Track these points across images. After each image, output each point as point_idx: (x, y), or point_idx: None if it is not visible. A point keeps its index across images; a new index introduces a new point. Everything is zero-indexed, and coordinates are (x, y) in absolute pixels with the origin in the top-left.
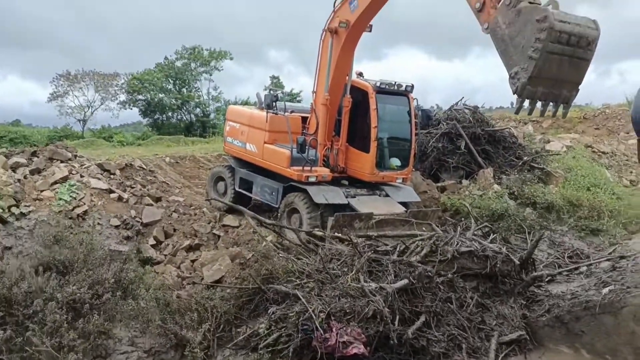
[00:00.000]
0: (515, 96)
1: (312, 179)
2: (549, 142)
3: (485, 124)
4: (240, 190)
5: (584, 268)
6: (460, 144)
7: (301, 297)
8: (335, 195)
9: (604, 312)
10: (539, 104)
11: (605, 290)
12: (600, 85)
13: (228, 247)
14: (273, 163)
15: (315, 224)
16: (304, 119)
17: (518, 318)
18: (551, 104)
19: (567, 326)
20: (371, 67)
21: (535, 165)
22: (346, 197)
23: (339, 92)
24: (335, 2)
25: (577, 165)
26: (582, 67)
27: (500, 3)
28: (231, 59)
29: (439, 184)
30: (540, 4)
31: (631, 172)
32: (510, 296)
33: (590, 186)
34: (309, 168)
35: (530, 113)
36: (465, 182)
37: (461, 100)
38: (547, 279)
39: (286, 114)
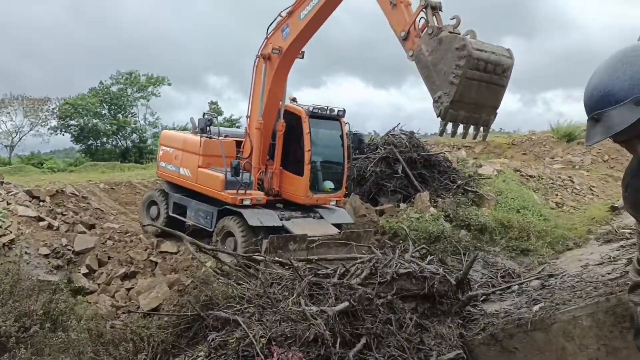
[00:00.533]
0: (439, 119)
1: (247, 202)
2: (480, 166)
3: (421, 148)
4: (174, 215)
5: (516, 287)
6: (397, 168)
7: (241, 323)
8: (269, 218)
9: (536, 329)
10: (461, 127)
11: (536, 308)
12: (527, 113)
13: (166, 274)
14: (207, 187)
15: (251, 247)
16: (239, 143)
17: (455, 337)
18: (472, 127)
19: (502, 343)
20: (310, 94)
21: (469, 189)
22: (280, 220)
23: (273, 116)
24: (268, 29)
25: (507, 188)
26: (499, 93)
27: (424, 32)
28: (169, 84)
29: (378, 208)
30: (459, 34)
31: (557, 195)
32: (447, 316)
33: (520, 208)
34: (243, 191)
35: (453, 135)
36: (402, 205)
37: (398, 125)
38: (482, 298)
39: (220, 138)
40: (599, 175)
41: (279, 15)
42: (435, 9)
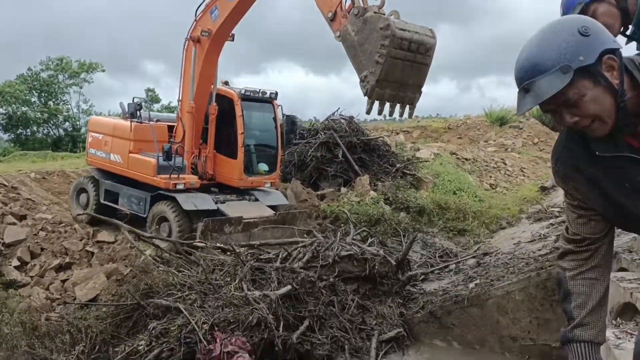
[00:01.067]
0: (366, 98)
1: (180, 187)
2: (418, 150)
3: (361, 133)
4: (105, 202)
5: (453, 266)
6: (337, 153)
7: (183, 310)
8: (204, 202)
9: (472, 305)
10: (387, 105)
11: (471, 285)
12: (463, 99)
13: (103, 264)
14: (139, 172)
15: (187, 232)
16: (171, 128)
17: (396, 316)
18: (398, 105)
19: (440, 321)
20: (250, 81)
21: (407, 172)
22: (215, 203)
23: (205, 100)
24: (197, 11)
25: (444, 171)
26: (423, 71)
27: (350, 13)
28: (103, 71)
29: (319, 192)
30: (384, 14)
31: (490, 177)
32: (388, 296)
33: (456, 190)
34: (176, 176)
35: (379, 114)
36: (343, 189)
37: (337, 110)
38: (421, 278)
39: (151, 122)
40: (530, 157)
41: None
42: None
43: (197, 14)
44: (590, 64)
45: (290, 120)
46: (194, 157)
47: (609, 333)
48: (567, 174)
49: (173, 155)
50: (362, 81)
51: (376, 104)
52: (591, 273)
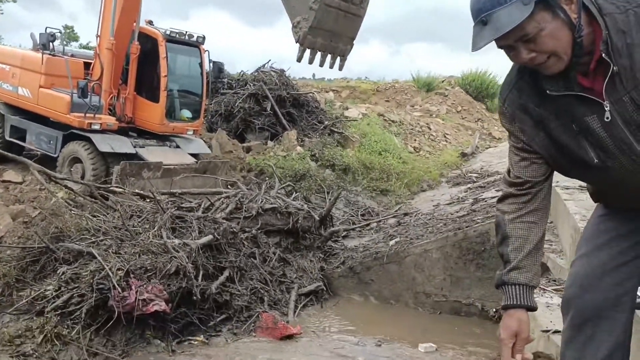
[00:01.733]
0: (298, 45)
1: (96, 127)
2: (347, 109)
3: (291, 87)
4: (11, 139)
5: (375, 224)
6: (266, 106)
7: (96, 255)
8: (122, 145)
9: (390, 262)
10: (319, 55)
11: (392, 242)
12: (392, 63)
13: (8, 205)
14: (50, 109)
15: (100, 174)
16: (87, 65)
17: (316, 270)
18: (329, 55)
19: (359, 276)
20: (177, 26)
21: (335, 130)
22: (134, 147)
23: (126, 37)
24: None
25: (371, 131)
26: (356, 23)
27: None
28: (14, 1)
29: (245, 145)
30: None
31: (415, 140)
32: (310, 250)
33: (382, 151)
34: (92, 115)
35: (310, 62)
36: (270, 143)
37: (268, 62)
38: (343, 234)
39: (65, 57)
40: (453, 124)
41: None
42: None
43: None
44: None
45: (217, 67)
46: (112, 98)
47: None
48: (514, 115)
49: (89, 93)
50: (294, 27)
51: (307, 52)
52: (530, 217)
